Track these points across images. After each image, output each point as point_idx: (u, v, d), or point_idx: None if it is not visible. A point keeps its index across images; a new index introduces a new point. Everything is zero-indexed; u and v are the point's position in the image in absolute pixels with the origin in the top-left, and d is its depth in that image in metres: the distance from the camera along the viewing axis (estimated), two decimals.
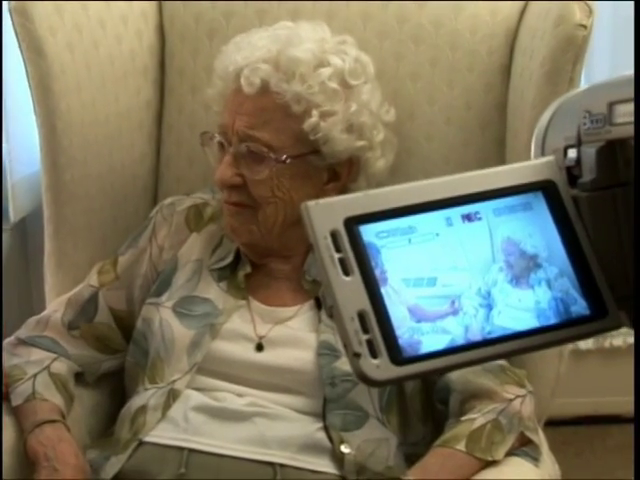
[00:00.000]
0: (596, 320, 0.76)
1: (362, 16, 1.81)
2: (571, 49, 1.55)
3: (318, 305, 1.59)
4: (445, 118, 1.79)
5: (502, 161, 1.75)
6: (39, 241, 1.85)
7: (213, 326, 1.60)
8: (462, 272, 0.74)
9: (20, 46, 1.67)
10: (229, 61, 1.60)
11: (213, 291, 1.64)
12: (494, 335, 0.74)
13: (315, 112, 1.56)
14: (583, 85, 1.71)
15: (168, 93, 1.91)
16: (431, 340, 0.72)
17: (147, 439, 1.55)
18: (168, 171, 1.92)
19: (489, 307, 0.74)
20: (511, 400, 1.54)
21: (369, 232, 0.73)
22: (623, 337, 2.71)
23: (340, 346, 1.53)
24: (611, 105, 0.73)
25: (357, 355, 0.70)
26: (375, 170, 1.66)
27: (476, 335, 0.73)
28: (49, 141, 1.71)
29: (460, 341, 0.73)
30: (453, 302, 0.73)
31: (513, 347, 0.74)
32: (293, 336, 1.59)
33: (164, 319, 1.62)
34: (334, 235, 0.72)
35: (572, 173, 0.78)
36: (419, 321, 0.72)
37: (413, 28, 1.79)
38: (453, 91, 1.79)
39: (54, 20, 1.68)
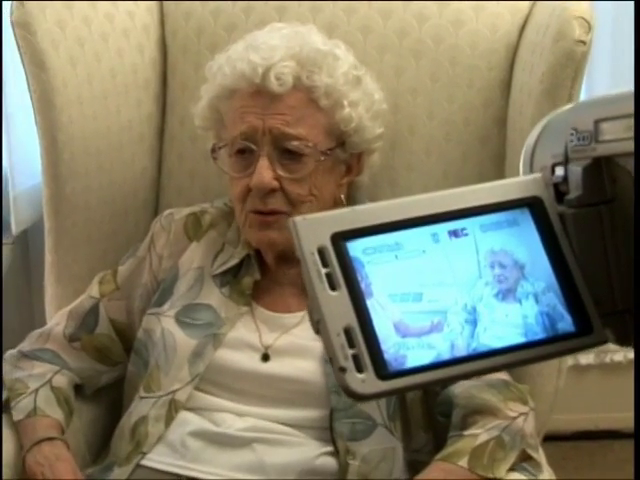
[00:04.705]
0: (581, 336, 0.77)
1: (362, 30, 1.81)
2: (570, 65, 1.55)
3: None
4: (444, 133, 1.80)
5: (501, 176, 1.76)
6: (41, 253, 1.85)
7: (216, 336, 1.59)
8: (448, 288, 0.74)
9: (22, 59, 1.68)
10: (244, 63, 1.56)
11: (215, 297, 1.63)
12: (480, 351, 0.74)
13: (346, 102, 1.57)
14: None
15: (170, 106, 1.92)
16: (417, 355, 0.72)
17: (145, 462, 1.54)
18: (169, 184, 1.93)
19: (474, 323, 0.74)
20: (514, 418, 1.54)
21: (356, 248, 0.73)
22: (624, 352, 2.71)
23: None
24: (597, 123, 0.74)
25: (343, 370, 0.71)
26: (373, 162, 1.68)
27: (462, 351, 0.73)
28: (50, 153, 1.71)
29: (446, 356, 0.73)
30: (439, 318, 0.73)
31: (499, 362, 0.74)
32: (299, 345, 1.57)
33: (166, 328, 1.62)
34: (321, 251, 0.72)
35: (559, 190, 0.78)
36: (405, 336, 0.72)
37: (413, 43, 1.80)
38: (453, 106, 1.79)
39: (56, 34, 1.69)
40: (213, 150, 1.62)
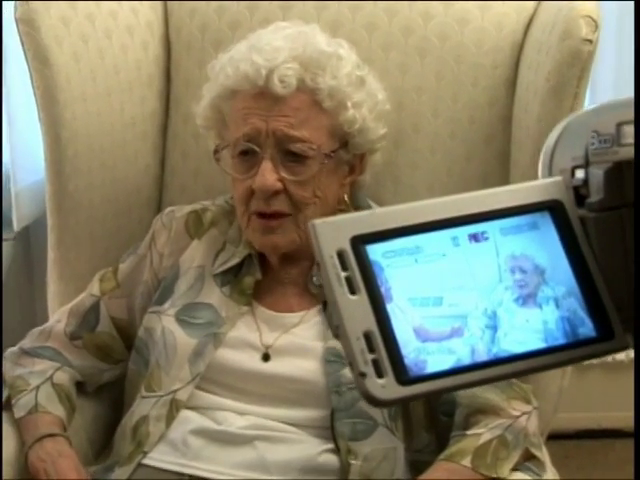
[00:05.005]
0: (602, 341, 0.76)
1: (367, 28, 1.81)
2: (577, 64, 1.55)
3: (326, 310, 1.58)
4: (449, 131, 1.79)
5: (506, 175, 1.76)
6: (42, 250, 1.84)
7: (217, 335, 1.58)
8: (469, 292, 0.73)
9: (26, 55, 1.67)
10: (247, 65, 1.55)
11: (215, 296, 1.62)
12: (501, 356, 0.73)
13: (349, 104, 1.56)
14: (588, 99, 1.71)
15: (174, 103, 1.91)
16: (437, 360, 0.72)
17: (146, 462, 1.54)
18: (173, 182, 1.92)
19: (495, 328, 0.73)
20: (517, 417, 1.54)
21: (376, 252, 0.72)
22: (626, 352, 2.70)
23: None
24: (619, 126, 0.73)
25: (363, 375, 0.70)
26: (375, 161, 1.67)
27: (482, 356, 0.73)
28: (54, 150, 1.71)
29: (466, 361, 0.72)
30: (459, 322, 0.73)
31: (519, 367, 0.74)
32: (300, 345, 1.57)
33: (166, 327, 1.61)
34: (340, 254, 0.72)
35: (579, 193, 0.77)
36: (425, 341, 0.72)
37: (419, 40, 1.79)
38: (457, 104, 1.78)
39: (60, 30, 1.68)
40: (216, 151, 1.61)
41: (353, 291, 0.71)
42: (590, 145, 0.75)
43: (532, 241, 0.76)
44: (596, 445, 2.71)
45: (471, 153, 1.79)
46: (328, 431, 1.52)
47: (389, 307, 0.71)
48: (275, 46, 1.56)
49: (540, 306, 0.75)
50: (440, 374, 0.72)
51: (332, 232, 0.72)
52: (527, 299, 0.75)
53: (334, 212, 1.61)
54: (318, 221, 0.72)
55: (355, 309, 0.71)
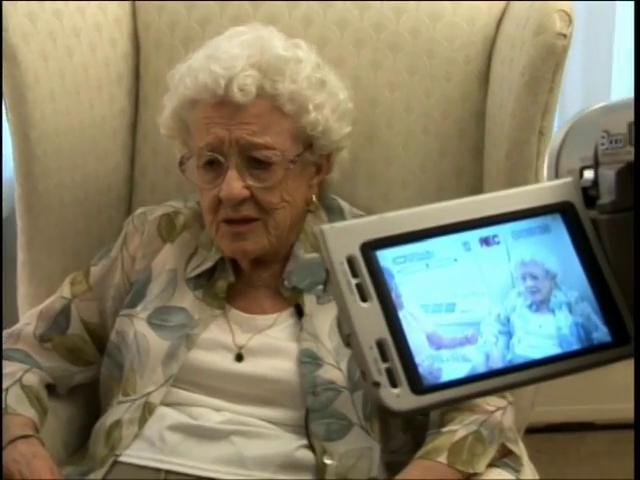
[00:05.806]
0: (617, 346, 0.75)
1: (338, 24, 1.79)
2: (551, 58, 1.55)
3: (299, 313, 1.58)
4: (422, 127, 1.78)
5: (479, 170, 1.75)
6: (10, 251, 1.82)
7: (189, 337, 1.57)
8: (481, 298, 0.72)
9: None
10: (205, 74, 1.54)
11: (188, 300, 1.62)
12: (516, 363, 0.72)
13: (311, 106, 1.55)
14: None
15: (143, 101, 1.89)
16: (452, 368, 0.70)
17: (123, 459, 1.53)
18: (143, 180, 1.90)
19: (509, 334, 0.72)
20: (492, 412, 1.54)
21: (386, 258, 0.71)
22: None
23: (322, 354, 1.52)
24: (632, 125, 0.71)
25: (376, 384, 0.68)
26: (342, 158, 1.67)
27: (497, 363, 0.72)
28: (22, 150, 1.69)
29: (481, 369, 0.71)
30: (472, 329, 0.71)
31: (535, 374, 0.73)
32: (273, 345, 1.57)
33: (139, 331, 1.60)
34: (350, 261, 0.70)
35: (588, 194, 0.76)
36: (439, 348, 0.70)
37: (390, 36, 1.78)
38: (430, 100, 1.78)
39: (28, 28, 1.66)
40: (181, 163, 1.61)
41: (364, 298, 0.70)
42: (600, 145, 0.74)
43: (543, 245, 0.75)
44: (567, 439, 2.71)
45: (444, 148, 1.78)
46: (303, 429, 1.52)
47: (401, 314, 0.70)
48: (232, 54, 1.55)
49: (553, 312, 0.74)
50: (456, 382, 0.70)
51: (341, 238, 0.71)
52: (540, 305, 0.74)
53: (303, 213, 1.63)
54: (326, 227, 0.71)
55: (367, 317, 0.69)
